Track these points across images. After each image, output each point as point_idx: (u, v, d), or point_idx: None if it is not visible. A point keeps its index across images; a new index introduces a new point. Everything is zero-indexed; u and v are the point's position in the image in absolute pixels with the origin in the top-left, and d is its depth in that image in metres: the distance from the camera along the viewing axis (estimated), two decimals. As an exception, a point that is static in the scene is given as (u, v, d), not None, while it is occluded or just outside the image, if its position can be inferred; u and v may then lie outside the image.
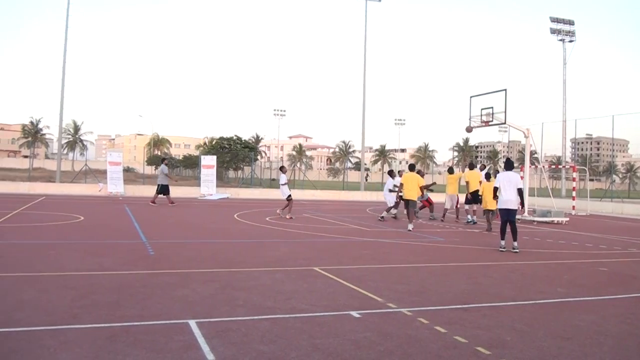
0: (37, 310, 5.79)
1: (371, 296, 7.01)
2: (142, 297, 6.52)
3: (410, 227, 15.90)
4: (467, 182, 19.68)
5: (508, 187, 11.97)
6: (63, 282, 7.29)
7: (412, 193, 16.37)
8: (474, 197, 19.10)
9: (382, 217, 19.53)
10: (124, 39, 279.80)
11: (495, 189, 12.17)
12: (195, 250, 10.68)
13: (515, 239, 11.82)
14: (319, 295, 6.97)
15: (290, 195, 18.93)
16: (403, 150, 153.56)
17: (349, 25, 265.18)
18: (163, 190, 23.92)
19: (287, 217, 18.52)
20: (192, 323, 5.44)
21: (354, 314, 6.07)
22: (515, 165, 17.96)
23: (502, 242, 11.93)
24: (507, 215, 11.95)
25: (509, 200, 11.91)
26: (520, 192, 11.98)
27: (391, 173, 21.99)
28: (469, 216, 18.97)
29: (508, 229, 11.93)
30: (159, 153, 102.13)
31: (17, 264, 8.66)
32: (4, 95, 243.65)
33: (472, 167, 20.51)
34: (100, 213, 18.44)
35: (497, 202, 12.36)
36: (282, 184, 19.07)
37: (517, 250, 11.65)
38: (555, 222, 20.32)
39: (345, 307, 6.36)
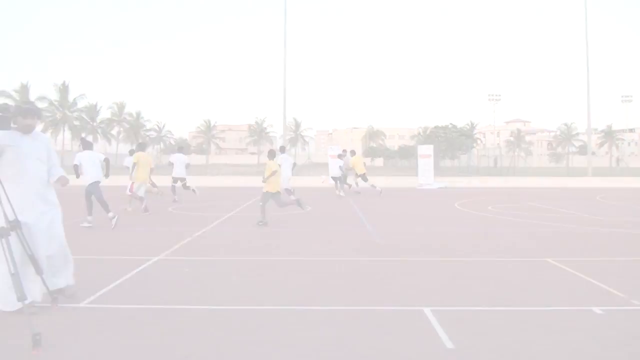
0: (282, 292, 6.42)
1: (612, 291, 6.54)
2: (374, 284, 6.83)
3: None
4: None
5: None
6: (298, 267, 7.97)
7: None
8: None
9: None
10: (338, 39, 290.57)
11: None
12: (422, 239, 10.84)
13: None
14: (555, 288, 6.70)
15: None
16: (632, 130, 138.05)
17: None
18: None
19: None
20: (427, 310, 5.55)
21: (596, 309, 5.72)
22: None
23: None
24: None
25: None
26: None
27: None
28: None
29: None
30: (375, 145, 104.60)
31: (251, 249, 9.54)
32: (231, 99, 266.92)
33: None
34: (325, 203, 19.46)
35: None
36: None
37: None
38: None
39: (586, 302, 6.04)
